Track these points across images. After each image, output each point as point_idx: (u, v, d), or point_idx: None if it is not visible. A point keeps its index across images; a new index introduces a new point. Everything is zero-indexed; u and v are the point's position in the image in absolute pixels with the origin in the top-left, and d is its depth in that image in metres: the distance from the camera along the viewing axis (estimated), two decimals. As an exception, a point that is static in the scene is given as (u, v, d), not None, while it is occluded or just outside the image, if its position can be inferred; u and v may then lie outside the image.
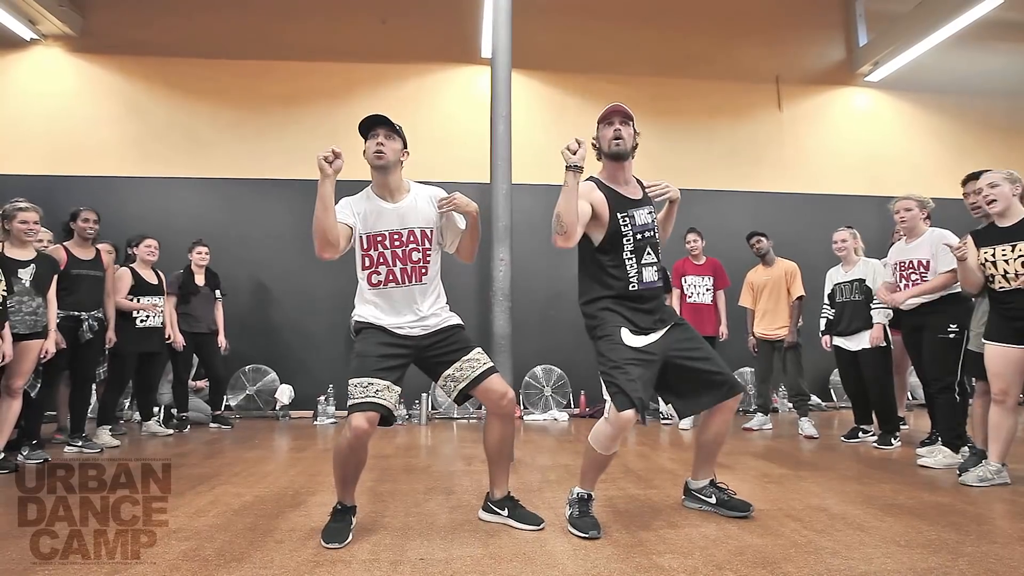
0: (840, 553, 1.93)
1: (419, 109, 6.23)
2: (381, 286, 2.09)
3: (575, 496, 2.20)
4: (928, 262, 3.45)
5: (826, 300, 4.37)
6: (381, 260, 2.09)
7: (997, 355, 2.81)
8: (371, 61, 6.27)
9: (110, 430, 4.13)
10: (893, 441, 3.83)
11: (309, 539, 2.07)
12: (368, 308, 2.12)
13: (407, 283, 2.10)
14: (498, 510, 2.24)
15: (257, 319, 5.86)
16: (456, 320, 2.21)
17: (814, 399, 5.88)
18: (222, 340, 5.08)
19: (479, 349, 2.19)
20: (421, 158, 6.07)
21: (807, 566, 1.82)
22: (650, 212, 2.29)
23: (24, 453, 3.44)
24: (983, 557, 1.88)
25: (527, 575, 1.77)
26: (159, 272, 4.60)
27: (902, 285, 3.56)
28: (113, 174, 5.87)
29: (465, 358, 2.14)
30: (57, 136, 5.94)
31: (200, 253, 5.02)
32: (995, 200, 2.83)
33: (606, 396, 2.11)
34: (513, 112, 5.05)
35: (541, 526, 2.19)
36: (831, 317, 4.28)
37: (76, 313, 3.81)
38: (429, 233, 2.15)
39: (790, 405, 4.90)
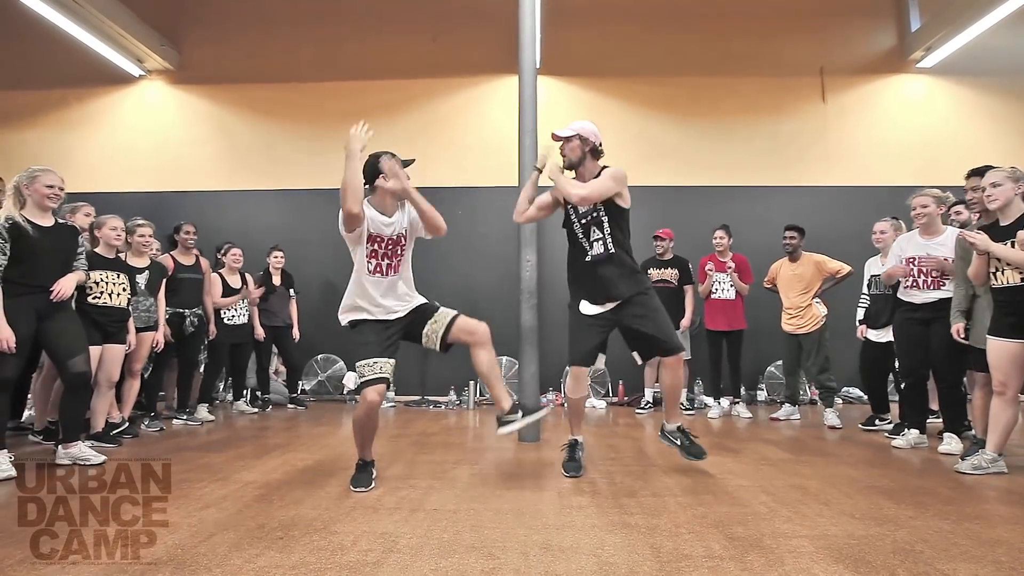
0: (792, 520, 2.20)
1: (469, 118, 6.71)
2: (376, 274, 2.68)
3: (566, 442, 3.00)
4: (949, 260, 3.50)
5: (864, 289, 4.40)
6: (373, 255, 2.69)
7: (995, 348, 2.92)
8: (424, 76, 6.81)
9: (207, 408, 4.92)
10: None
11: (352, 491, 2.60)
12: (360, 300, 2.68)
13: (390, 275, 2.70)
14: (512, 417, 2.72)
15: (327, 314, 6.48)
16: (424, 300, 2.80)
17: (855, 392, 5.86)
18: (296, 332, 5.80)
19: (443, 308, 2.77)
20: (471, 164, 6.57)
21: (755, 529, 2.11)
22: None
23: (145, 423, 4.27)
24: (924, 530, 2.08)
25: (514, 525, 2.18)
26: (244, 275, 5.36)
27: (920, 281, 3.62)
28: (207, 188, 6.78)
29: (434, 316, 2.73)
30: (161, 157, 6.93)
31: (276, 257, 5.76)
32: (996, 199, 2.92)
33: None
34: (553, 117, 5.37)
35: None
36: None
37: (181, 310, 4.59)
38: (404, 240, 2.74)
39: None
